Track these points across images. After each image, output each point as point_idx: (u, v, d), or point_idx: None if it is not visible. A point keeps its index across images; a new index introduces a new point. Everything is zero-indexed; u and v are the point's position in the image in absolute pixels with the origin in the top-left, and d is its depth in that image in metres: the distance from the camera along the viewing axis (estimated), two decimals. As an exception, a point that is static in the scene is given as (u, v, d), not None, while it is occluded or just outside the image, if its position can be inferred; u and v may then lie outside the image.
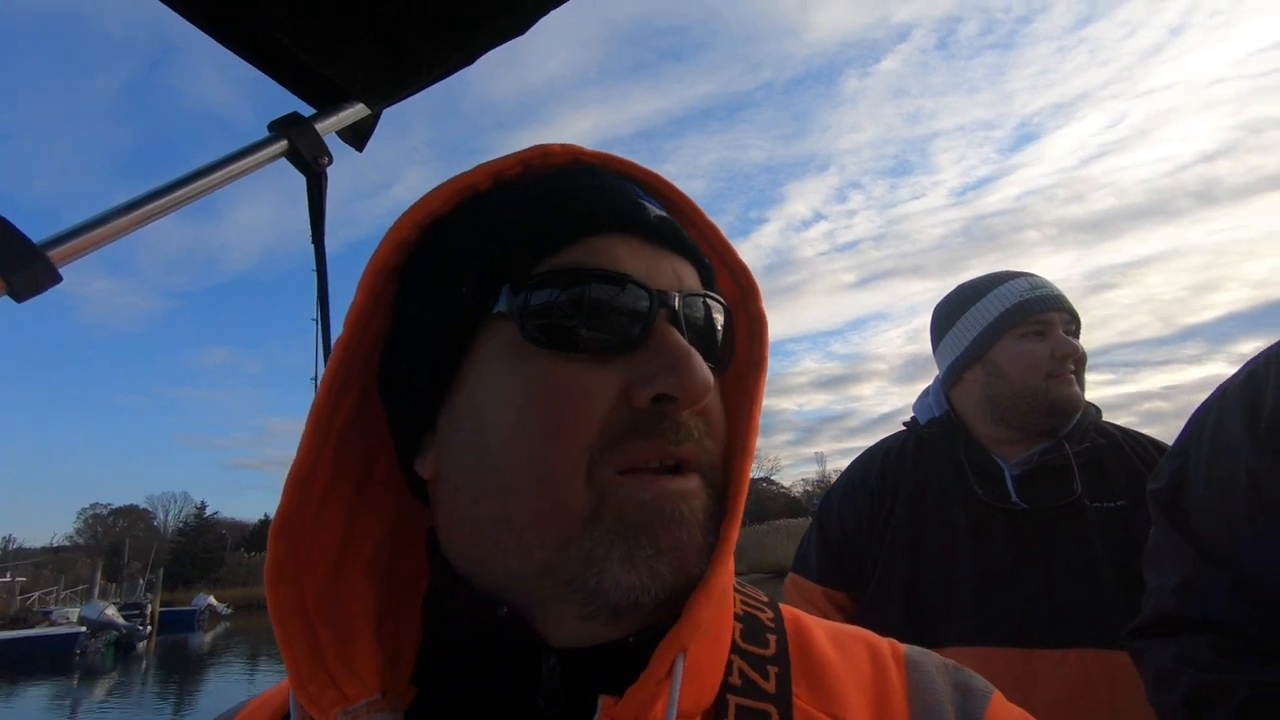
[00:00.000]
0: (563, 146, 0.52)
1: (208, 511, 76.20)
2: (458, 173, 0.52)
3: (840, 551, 1.64)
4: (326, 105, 1.00)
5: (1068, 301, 1.57)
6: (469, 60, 1.10)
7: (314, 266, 0.97)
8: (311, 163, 0.94)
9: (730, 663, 0.49)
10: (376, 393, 0.54)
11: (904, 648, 0.56)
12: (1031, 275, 1.62)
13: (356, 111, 1.03)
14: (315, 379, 0.99)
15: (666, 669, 0.43)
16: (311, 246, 0.97)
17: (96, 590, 45.58)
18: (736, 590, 0.56)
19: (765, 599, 0.58)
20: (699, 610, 0.45)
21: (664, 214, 0.51)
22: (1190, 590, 0.89)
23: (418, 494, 0.55)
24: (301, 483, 0.49)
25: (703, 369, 0.45)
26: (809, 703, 0.48)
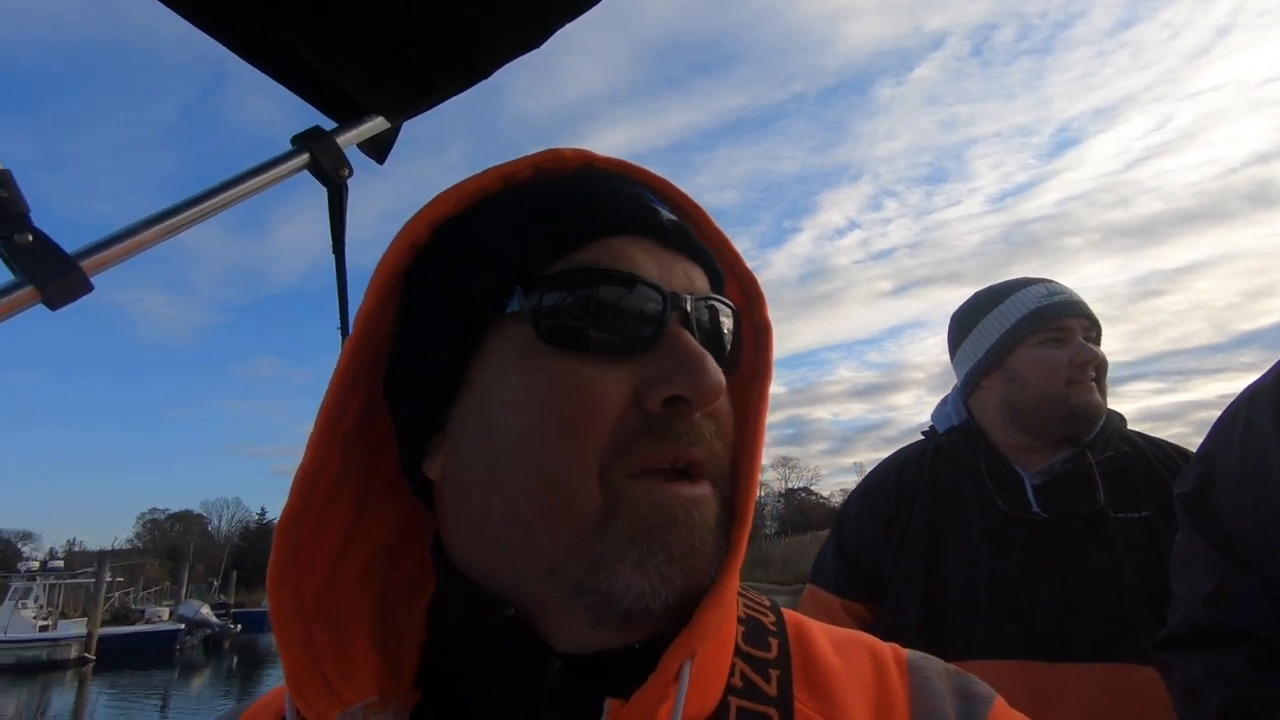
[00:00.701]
0: (574, 151, 0.53)
1: (267, 517, 78.43)
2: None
3: (857, 562, 1.62)
4: (347, 119, 1.04)
5: (1086, 307, 1.54)
6: (486, 74, 1.13)
7: (336, 276, 1.00)
8: (332, 174, 0.98)
9: (733, 665, 0.49)
10: (382, 396, 0.54)
11: (906, 652, 0.55)
12: (1049, 281, 1.59)
13: (376, 125, 1.07)
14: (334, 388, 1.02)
15: (674, 673, 0.43)
16: (333, 257, 1.00)
17: (184, 591, 47.86)
18: (739, 594, 0.56)
19: (768, 602, 0.58)
20: (709, 616, 0.45)
21: (676, 218, 0.51)
22: (1222, 598, 0.85)
23: (422, 498, 0.55)
24: (308, 483, 0.49)
25: (716, 371, 0.45)
26: (810, 707, 0.48)
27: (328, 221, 1.03)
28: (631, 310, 0.46)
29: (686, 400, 0.44)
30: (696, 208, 0.56)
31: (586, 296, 0.45)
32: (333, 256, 1.00)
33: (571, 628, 0.46)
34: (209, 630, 36.60)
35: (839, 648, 0.54)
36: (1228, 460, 0.92)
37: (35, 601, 32.18)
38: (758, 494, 0.52)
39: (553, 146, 0.53)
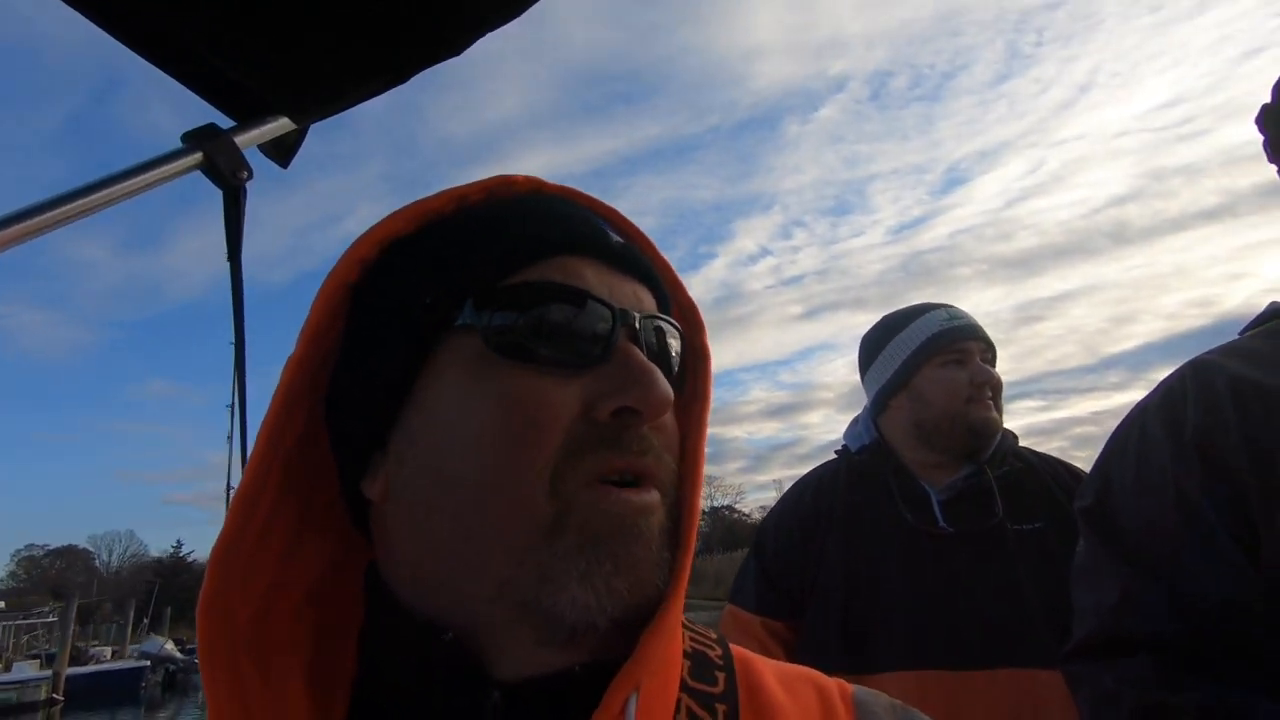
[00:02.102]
0: (526, 178, 0.54)
1: (184, 549, 73.00)
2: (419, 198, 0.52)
3: (777, 580, 1.65)
4: (248, 118, 0.96)
5: (983, 331, 1.65)
6: (401, 79, 1.08)
7: (230, 285, 0.91)
8: (229, 176, 0.90)
9: (678, 701, 0.48)
10: (323, 416, 0.52)
11: (852, 688, 0.56)
12: (950, 306, 1.70)
13: (280, 126, 0.99)
14: (233, 405, 0.93)
15: (619, 708, 0.42)
16: (227, 265, 0.92)
17: (142, 628, 46.47)
18: (685, 627, 0.56)
19: (714, 636, 0.58)
20: (653, 646, 0.44)
21: (624, 240, 0.52)
22: (1129, 607, 0.88)
23: (359, 523, 0.53)
24: (246, 506, 0.47)
25: (664, 384, 0.46)
26: None
27: (234, 231, 0.94)
28: (582, 326, 0.46)
29: (636, 411, 0.45)
30: (642, 235, 0.57)
31: (538, 311, 0.46)
32: (228, 264, 0.91)
33: (514, 648, 0.45)
34: (172, 667, 34.98)
35: (785, 683, 0.54)
36: (1124, 471, 0.95)
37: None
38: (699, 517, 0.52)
39: (504, 173, 0.54)
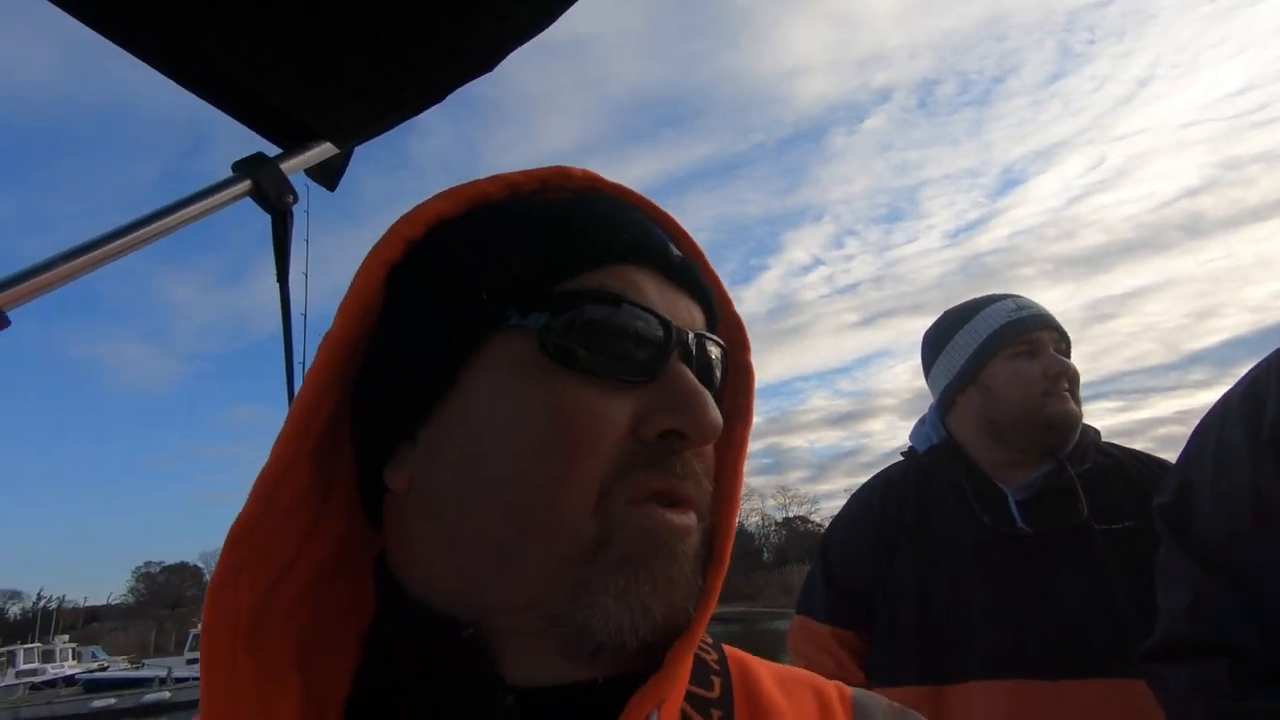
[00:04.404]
0: (583, 171, 0.52)
1: None
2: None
3: (847, 589, 1.58)
4: (293, 144, 1.01)
5: (1055, 320, 1.54)
6: (438, 98, 1.11)
7: (280, 307, 0.96)
8: (276, 201, 0.95)
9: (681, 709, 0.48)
10: (348, 395, 0.50)
11: (851, 691, 0.55)
12: (1016, 296, 1.59)
13: (324, 150, 1.04)
14: (290, 398, 0.97)
15: None
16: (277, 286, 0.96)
17: None
18: None
19: (710, 640, 0.56)
20: (680, 662, 0.43)
21: (683, 255, 0.51)
22: (1200, 611, 0.83)
23: (370, 508, 0.51)
24: (268, 487, 0.45)
25: (715, 410, 0.45)
26: None
27: (282, 253, 0.99)
28: (639, 340, 0.45)
29: (684, 435, 0.44)
30: (696, 246, 0.55)
31: (598, 320, 0.44)
32: (277, 286, 0.96)
33: (533, 655, 0.44)
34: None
35: (783, 686, 0.53)
36: (1202, 471, 0.90)
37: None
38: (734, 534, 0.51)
39: (560, 164, 0.52)
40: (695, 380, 0.46)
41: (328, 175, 1.11)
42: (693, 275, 0.51)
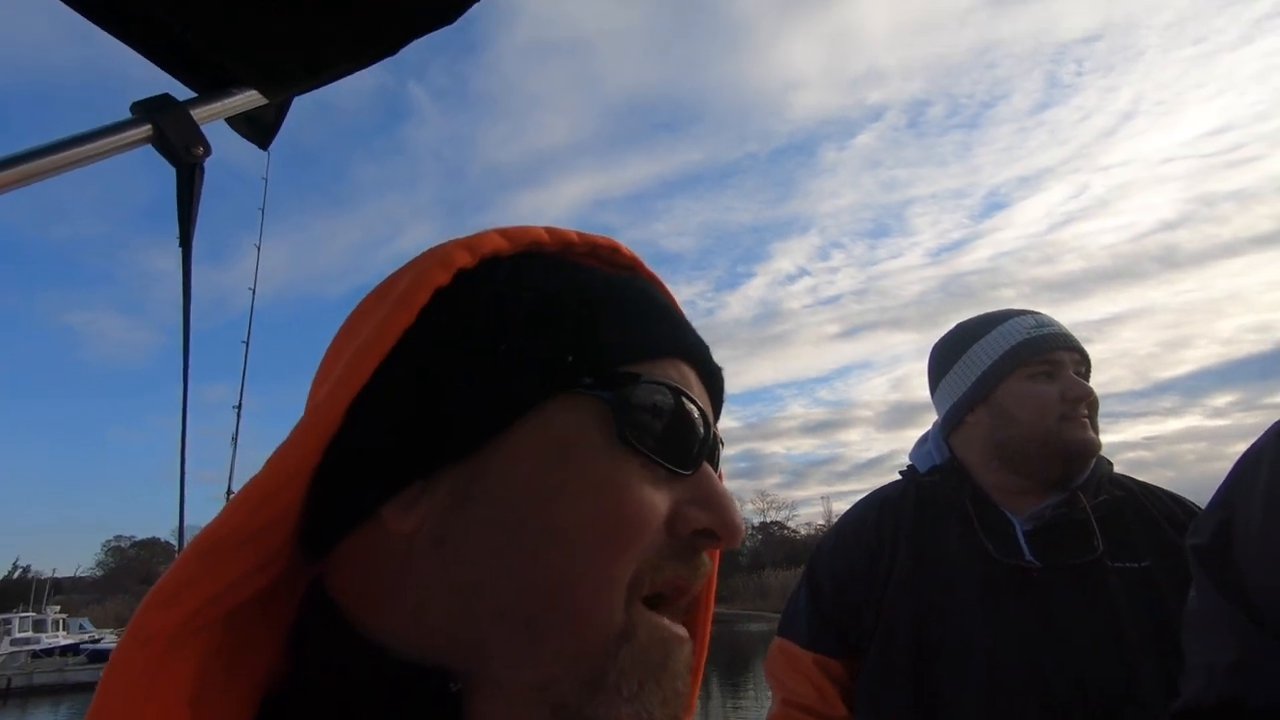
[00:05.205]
0: (630, 253, 0.53)
1: None
2: (489, 227, 0.49)
3: (833, 614, 1.46)
4: (209, 89, 0.88)
5: (1076, 340, 1.43)
6: (390, 50, 0.98)
7: (180, 272, 0.83)
8: (182, 153, 0.81)
9: None
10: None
11: None
12: (1037, 313, 1.49)
13: (247, 100, 0.90)
14: (184, 397, 0.84)
15: None
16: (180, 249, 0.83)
17: None
18: None
19: None
20: None
21: (718, 366, 0.52)
22: (1247, 669, 0.74)
23: (321, 532, 0.45)
24: (256, 501, 0.40)
25: (740, 514, 0.46)
26: None
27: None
28: (690, 437, 0.46)
29: (715, 536, 0.45)
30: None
31: (667, 410, 0.45)
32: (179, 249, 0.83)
33: None
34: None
35: None
36: (1249, 509, 0.79)
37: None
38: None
39: (610, 237, 0.53)
40: (722, 484, 0.47)
41: (258, 130, 0.97)
42: (720, 384, 0.52)
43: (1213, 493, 0.87)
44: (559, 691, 0.40)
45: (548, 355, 0.44)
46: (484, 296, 0.46)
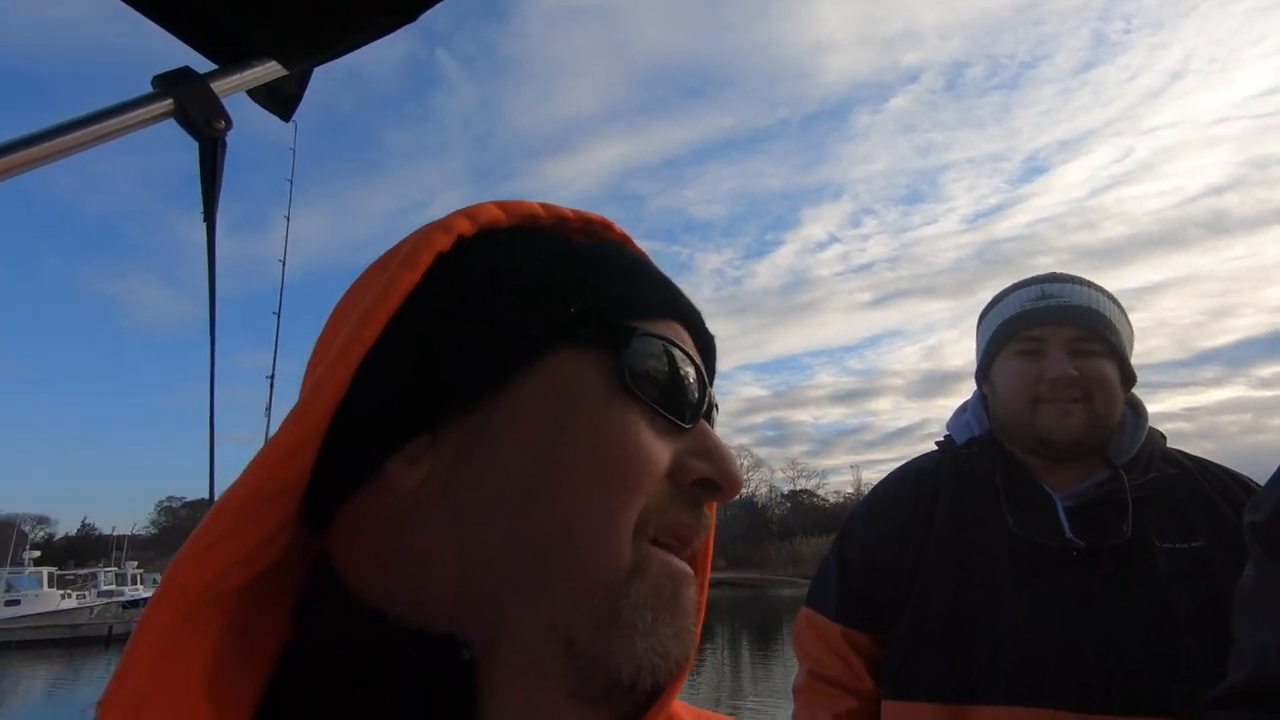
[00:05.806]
0: (621, 230, 0.55)
1: None
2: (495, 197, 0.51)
3: (864, 586, 1.44)
4: (230, 62, 0.87)
5: (1084, 312, 1.34)
6: (409, 17, 0.96)
7: (206, 249, 0.83)
8: (203, 127, 0.81)
9: None
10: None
11: None
12: (1053, 283, 1.40)
13: (268, 71, 0.89)
14: (211, 367, 0.86)
15: None
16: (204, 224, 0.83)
17: None
18: None
19: None
20: (664, 711, 0.45)
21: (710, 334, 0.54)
22: None
23: (323, 496, 0.45)
24: (284, 458, 0.40)
25: (740, 468, 0.48)
26: None
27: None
28: (688, 392, 0.47)
29: (716, 486, 0.46)
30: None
31: (669, 363, 0.47)
32: (204, 224, 0.83)
33: (528, 691, 0.41)
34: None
35: None
36: None
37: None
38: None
39: (602, 214, 0.54)
40: (720, 440, 0.48)
41: (279, 102, 0.97)
42: (713, 353, 0.54)
43: (1257, 466, 0.83)
44: (573, 631, 0.41)
45: (549, 308, 0.45)
46: (485, 257, 0.47)
